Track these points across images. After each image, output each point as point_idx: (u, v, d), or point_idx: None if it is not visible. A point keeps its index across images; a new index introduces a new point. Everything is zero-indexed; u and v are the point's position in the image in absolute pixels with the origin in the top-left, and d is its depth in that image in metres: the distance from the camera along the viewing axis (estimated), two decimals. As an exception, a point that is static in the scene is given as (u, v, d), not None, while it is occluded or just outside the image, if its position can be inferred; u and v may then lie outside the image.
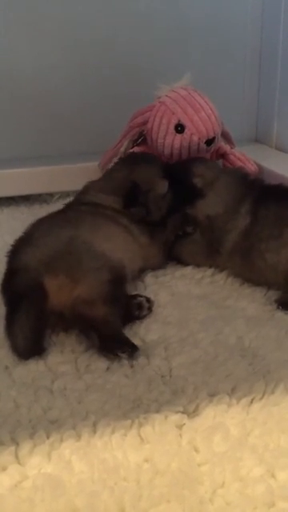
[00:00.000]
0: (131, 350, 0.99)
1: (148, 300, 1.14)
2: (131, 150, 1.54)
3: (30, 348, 0.99)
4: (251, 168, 1.59)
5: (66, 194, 1.72)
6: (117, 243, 1.16)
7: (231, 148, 1.61)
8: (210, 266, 1.31)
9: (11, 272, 1.08)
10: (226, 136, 1.59)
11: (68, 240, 1.10)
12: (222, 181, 1.33)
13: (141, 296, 1.14)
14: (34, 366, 0.98)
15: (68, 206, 1.30)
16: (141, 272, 1.26)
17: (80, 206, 1.26)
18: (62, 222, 1.18)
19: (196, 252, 1.33)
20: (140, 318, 1.11)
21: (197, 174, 1.33)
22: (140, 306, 1.12)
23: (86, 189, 1.33)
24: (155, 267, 1.30)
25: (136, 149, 1.55)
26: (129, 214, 1.24)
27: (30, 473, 0.77)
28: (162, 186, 1.28)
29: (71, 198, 1.64)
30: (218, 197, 1.31)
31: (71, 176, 1.67)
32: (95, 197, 1.28)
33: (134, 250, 1.21)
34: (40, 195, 1.75)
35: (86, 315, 1.01)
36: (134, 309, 1.11)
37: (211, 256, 1.30)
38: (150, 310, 1.13)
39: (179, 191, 1.30)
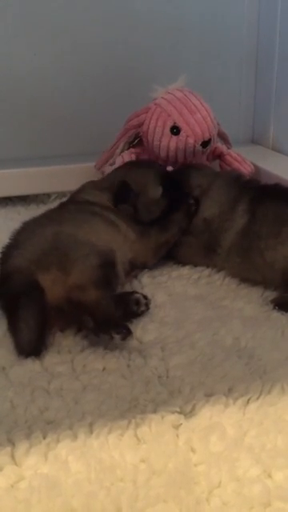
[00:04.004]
0: (126, 331, 1.00)
1: (145, 297, 1.14)
2: (127, 152, 1.54)
3: (34, 343, 1.00)
4: (247, 169, 1.59)
5: (63, 195, 1.72)
6: (102, 235, 1.18)
7: (228, 148, 1.62)
8: (207, 266, 1.32)
9: (3, 278, 1.09)
10: (222, 136, 1.60)
11: (53, 236, 1.12)
12: (216, 184, 1.35)
13: (137, 293, 1.15)
14: (31, 367, 0.98)
15: (57, 207, 1.34)
16: (132, 266, 1.25)
17: (68, 205, 1.30)
18: (44, 221, 1.20)
19: (193, 254, 1.33)
20: (138, 313, 1.12)
21: (194, 185, 1.34)
22: (138, 302, 1.12)
23: (83, 187, 1.36)
24: (144, 264, 1.30)
25: (132, 151, 1.55)
26: (118, 210, 1.27)
27: (26, 473, 0.77)
28: (155, 192, 1.30)
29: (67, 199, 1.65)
30: (212, 199, 1.32)
31: (68, 176, 1.67)
32: (88, 194, 1.31)
33: (121, 243, 1.22)
34: (37, 195, 1.75)
35: (80, 301, 1.02)
36: (132, 304, 1.12)
37: (208, 256, 1.31)
38: (147, 306, 1.13)
39: (178, 199, 1.32)
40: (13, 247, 1.15)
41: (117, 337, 0.99)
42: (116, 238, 1.21)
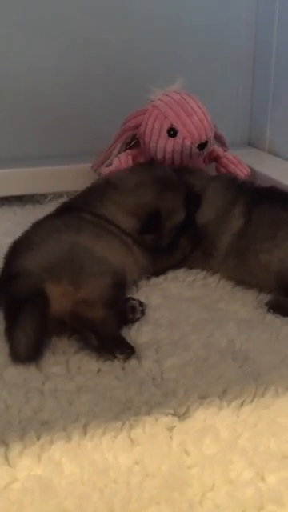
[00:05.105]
0: (129, 351, 1.00)
1: (141, 303, 1.15)
2: (123, 153, 1.54)
3: (31, 352, 0.98)
4: (244, 171, 1.59)
5: (59, 195, 1.73)
6: (117, 253, 1.16)
7: (224, 151, 1.62)
8: (203, 269, 1.32)
9: (10, 275, 1.07)
10: (219, 139, 1.60)
11: (69, 246, 1.10)
12: (211, 188, 1.35)
13: (133, 299, 1.15)
14: (25, 368, 0.98)
15: (68, 208, 1.28)
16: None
17: (85, 214, 1.22)
18: (61, 227, 1.17)
19: (192, 260, 1.33)
20: (134, 321, 1.11)
21: (188, 185, 1.33)
22: (133, 310, 1.12)
23: (103, 197, 1.26)
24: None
25: (129, 152, 1.55)
26: (141, 239, 1.23)
27: (19, 475, 0.77)
28: (180, 217, 1.28)
29: (64, 199, 1.65)
30: (207, 204, 1.32)
31: (65, 177, 1.68)
32: (109, 212, 1.23)
33: (132, 265, 1.21)
34: (33, 196, 1.75)
35: (85, 316, 1.02)
36: (128, 312, 1.12)
37: (205, 261, 1.31)
38: (143, 312, 1.13)
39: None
40: (25, 245, 1.13)
41: (120, 356, 0.99)
42: (128, 260, 1.20)
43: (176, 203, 1.28)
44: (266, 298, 1.20)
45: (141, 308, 1.13)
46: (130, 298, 1.16)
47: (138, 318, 1.12)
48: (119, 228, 1.22)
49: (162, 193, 1.27)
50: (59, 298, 1.02)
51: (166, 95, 1.49)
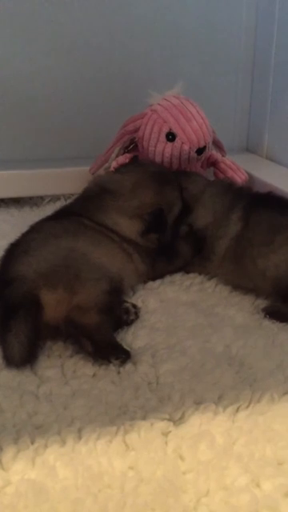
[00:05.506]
0: (125, 356, 1.00)
1: (134, 306, 1.15)
2: (122, 157, 1.54)
3: (25, 357, 0.98)
4: (242, 177, 1.60)
5: (57, 198, 1.73)
6: (116, 260, 1.16)
7: (222, 156, 1.62)
8: (200, 273, 1.32)
9: (6, 280, 1.06)
10: (217, 144, 1.60)
11: (67, 252, 1.10)
12: (208, 192, 1.35)
13: (127, 302, 1.15)
14: (20, 371, 0.97)
15: (68, 212, 1.27)
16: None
17: (84, 220, 1.21)
18: (60, 232, 1.16)
19: (189, 264, 1.33)
20: (128, 322, 1.12)
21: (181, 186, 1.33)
22: (127, 311, 1.13)
23: (102, 205, 1.24)
24: None
25: (127, 155, 1.55)
26: (145, 240, 1.23)
27: (13, 478, 0.76)
28: (178, 208, 1.28)
29: (62, 202, 1.65)
30: (205, 208, 1.32)
31: (62, 180, 1.67)
32: (109, 219, 1.22)
33: (131, 273, 1.21)
34: (31, 198, 1.74)
35: (79, 322, 1.01)
36: (122, 314, 1.12)
37: (202, 264, 1.31)
38: (136, 315, 1.14)
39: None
40: (22, 250, 1.12)
41: (115, 362, 0.99)
42: (127, 267, 1.20)
43: (174, 195, 1.28)
44: (262, 303, 1.20)
45: (134, 310, 1.13)
46: (123, 300, 1.16)
47: (132, 320, 1.12)
48: (119, 235, 1.22)
49: (160, 188, 1.26)
50: (54, 304, 1.01)
51: (165, 100, 1.49)
